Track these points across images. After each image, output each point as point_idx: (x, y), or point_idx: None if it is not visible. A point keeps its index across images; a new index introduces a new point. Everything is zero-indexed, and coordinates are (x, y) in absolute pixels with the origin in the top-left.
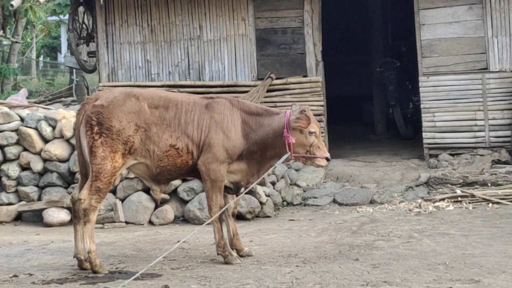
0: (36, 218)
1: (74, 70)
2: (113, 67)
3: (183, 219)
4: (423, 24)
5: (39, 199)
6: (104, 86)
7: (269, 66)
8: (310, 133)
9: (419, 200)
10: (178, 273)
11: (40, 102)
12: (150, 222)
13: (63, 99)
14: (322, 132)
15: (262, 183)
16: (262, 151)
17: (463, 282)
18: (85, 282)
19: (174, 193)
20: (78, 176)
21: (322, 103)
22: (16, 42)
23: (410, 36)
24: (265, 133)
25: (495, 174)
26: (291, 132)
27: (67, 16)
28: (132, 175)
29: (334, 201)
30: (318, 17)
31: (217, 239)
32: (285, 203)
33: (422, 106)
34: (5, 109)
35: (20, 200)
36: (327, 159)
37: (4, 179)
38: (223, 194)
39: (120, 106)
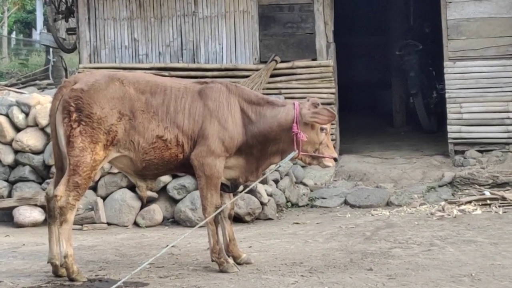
0: (5, 218)
1: (51, 49)
2: (96, 46)
3: (173, 220)
4: (450, 2)
5: (9, 195)
6: (85, 67)
7: (273, 47)
8: (322, 129)
9: (443, 203)
10: (167, 282)
11: (11, 85)
12: (136, 224)
13: (38, 82)
14: (332, 126)
15: (264, 181)
16: (262, 146)
17: None
18: None
19: (163, 191)
20: (53, 170)
21: (333, 90)
22: None
23: (434, 16)
24: (268, 126)
25: None
26: (301, 128)
27: None
28: (115, 170)
29: (346, 202)
30: None
31: (212, 243)
32: (289, 204)
33: (447, 95)
34: None
35: None
36: (335, 160)
37: None
38: (219, 193)
39: (102, 91)
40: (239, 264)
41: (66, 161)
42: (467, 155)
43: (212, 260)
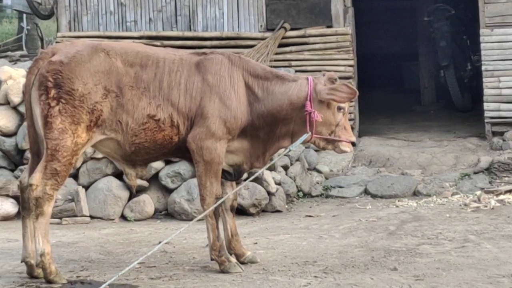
0: None
1: (24, 16)
2: (76, 11)
3: (166, 213)
4: None
5: None
6: (64, 37)
7: (282, 13)
8: (339, 109)
9: (478, 192)
10: (159, 284)
11: None
12: (123, 217)
13: (9, 53)
14: (350, 104)
15: (271, 168)
16: (269, 127)
17: None
18: None
19: (154, 179)
20: (28, 155)
21: (351, 62)
22: None
23: None
24: (277, 104)
25: None
26: (315, 106)
27: None
28: (99, 155)
29: (366, 192)
30: None
31: (212, 239)
32: (301, 193)
33: (483, 67)
34: None
35: None
36: (353, 144)
37: None
38: (220, 181)
39: (85, 64)
40: (242, 263)
41: (43, 144)
42: (507, 136)
43: (212, 259)
